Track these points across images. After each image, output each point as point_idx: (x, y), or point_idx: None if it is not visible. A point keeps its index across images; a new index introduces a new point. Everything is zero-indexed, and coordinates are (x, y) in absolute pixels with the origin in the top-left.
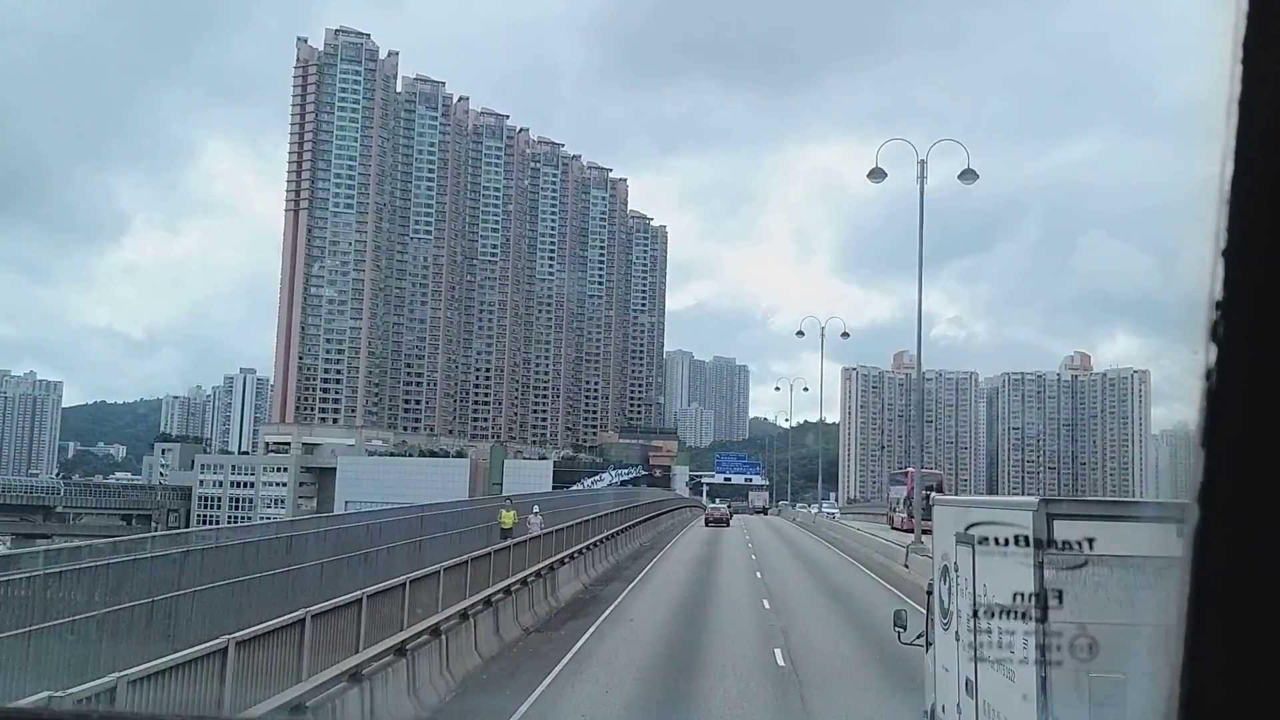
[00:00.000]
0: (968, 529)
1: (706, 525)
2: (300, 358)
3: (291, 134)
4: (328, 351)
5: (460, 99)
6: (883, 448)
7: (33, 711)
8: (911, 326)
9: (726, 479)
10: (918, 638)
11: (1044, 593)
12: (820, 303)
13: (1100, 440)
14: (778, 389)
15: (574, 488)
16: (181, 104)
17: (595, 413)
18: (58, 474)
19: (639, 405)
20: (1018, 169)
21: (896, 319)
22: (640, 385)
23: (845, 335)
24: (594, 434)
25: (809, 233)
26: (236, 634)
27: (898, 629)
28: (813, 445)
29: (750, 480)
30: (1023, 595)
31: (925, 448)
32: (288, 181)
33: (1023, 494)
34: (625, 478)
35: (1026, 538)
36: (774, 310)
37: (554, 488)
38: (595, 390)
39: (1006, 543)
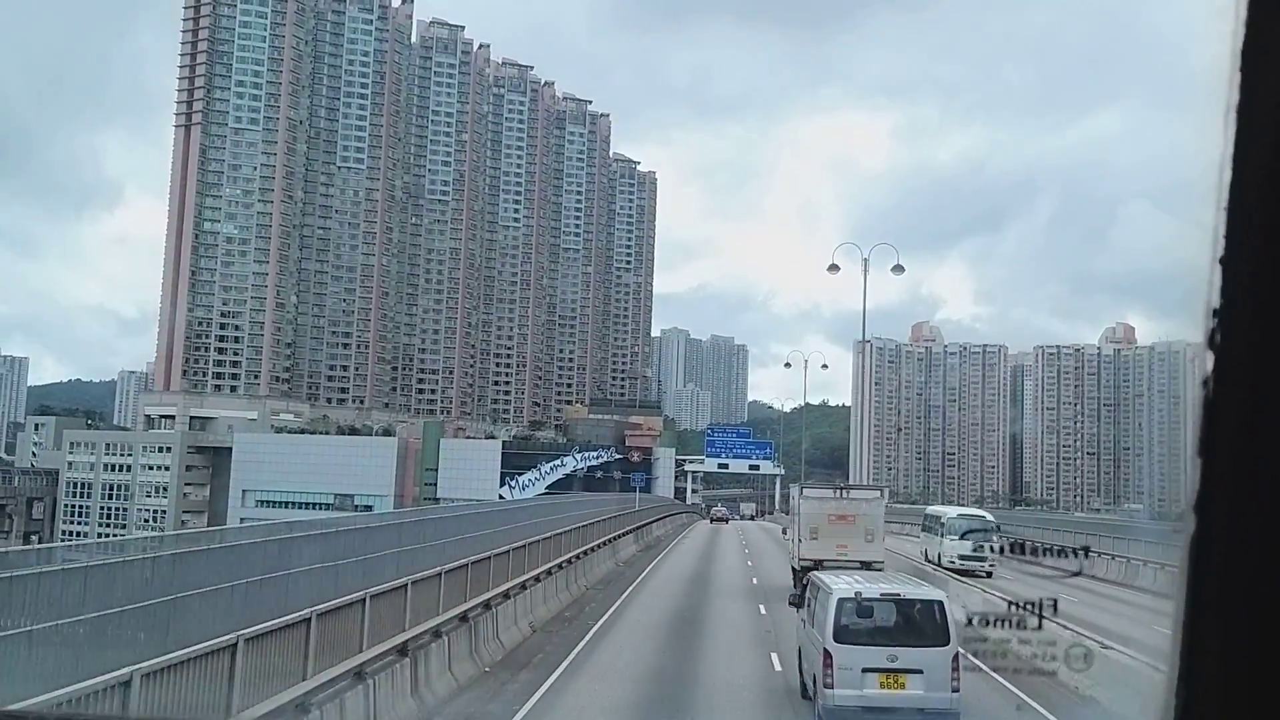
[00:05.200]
0: (788, 493)
1: (711, 523)
2: (189, 310)
3: (184, 30)
4: (225, 303)
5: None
6: (900, 430)
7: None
8: (923, 307)
9: (723, 465)
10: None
11: (798, 507)
12: (824, 283)
13: (1148, 423)
14: (788, 365)
15: (517, 479)
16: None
17: (569, 386)
18: None
19: (622, 378)
20: (1036, 142)
21: (905, 300)
22: (623, 354)
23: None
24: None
25: (815, 210)
26: (245, 631)
27: (783, 535)
28: (822, 428)
29: (757, 468)
30: (797, 508)
31: (947, 429)
32: (177, 90)
33: (1056, 485)
34: (593, 463)
35: (796, 494)
36: (775, 292)
37: (502, 474)
38: (569, 360)
39: (798, 496)
